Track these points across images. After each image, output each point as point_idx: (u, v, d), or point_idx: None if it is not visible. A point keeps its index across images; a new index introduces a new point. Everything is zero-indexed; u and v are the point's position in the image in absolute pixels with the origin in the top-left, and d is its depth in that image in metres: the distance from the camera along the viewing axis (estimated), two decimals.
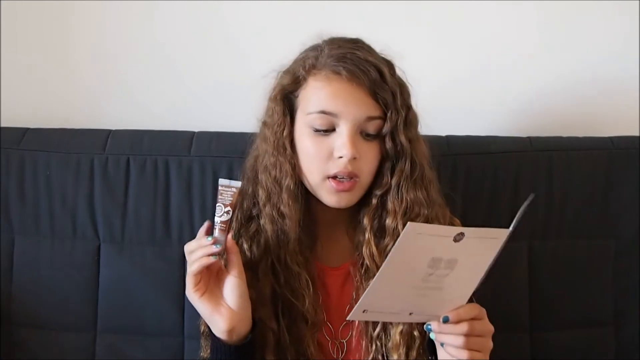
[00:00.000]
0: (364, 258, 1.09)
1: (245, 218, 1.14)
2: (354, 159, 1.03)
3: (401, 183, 1.08)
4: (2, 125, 1.44)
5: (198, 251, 1.00)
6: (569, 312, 1.39)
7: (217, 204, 1.02)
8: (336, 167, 1.04)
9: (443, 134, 1.41)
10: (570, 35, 1.50)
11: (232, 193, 1.02)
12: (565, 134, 1.45)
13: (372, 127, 1.06)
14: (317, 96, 1.06)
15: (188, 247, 1.02)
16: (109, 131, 1.41)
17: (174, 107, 1.51)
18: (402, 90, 1.08)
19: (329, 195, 1.07)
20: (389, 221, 1.08)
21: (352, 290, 1.12)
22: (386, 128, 1.05)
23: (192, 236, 1.34)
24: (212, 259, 0.99)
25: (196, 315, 1.14)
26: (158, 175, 1.36)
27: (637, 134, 1.47)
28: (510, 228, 0.92)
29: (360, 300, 0.93)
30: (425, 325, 0.98)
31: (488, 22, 1.50)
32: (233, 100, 1.47)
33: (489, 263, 0.93)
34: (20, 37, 1.50)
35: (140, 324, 1.36)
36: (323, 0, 1.47)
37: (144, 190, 1.36)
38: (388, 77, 1.06)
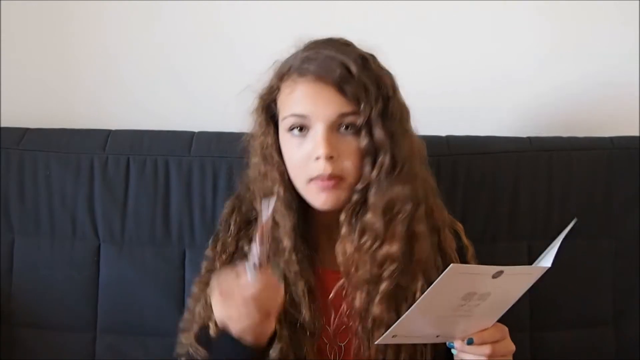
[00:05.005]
0: (339, 256, 1.07)
1: (244, 222, 1.14)
2: (330, 157, 1.02)
3: (381, 177, 1.04)
4: (2, 125, 1.44)
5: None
6: (569, 312, 1.39)
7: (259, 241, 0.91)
8: (317, 170, 1.03)
9: (443, 134, 1.41)
10: (570, 35, 1.50)
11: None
12: (565, 134, 1.45)
13: (347, 123, 1.03)
14: (288, 100, 1.06)
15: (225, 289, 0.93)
16: (109, 131, 1.41)
17: (174, 107, 1.51)
18: (379, 81, 1.05)
19: (315, 197, 1.05)
20: (368, 216, 1.05)
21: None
22: (359, 121, 1.03)
23: (192, 236, 1.36)
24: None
25: None
26: (158, 175, 1.36)
27: (637, 134, 1.47)
28: (549, 265, 0.92)
29: (392, 327, 0.94)
30: (447, 342, 1.00)
31: (488, 23, 1.50)
32: (233, 100, 1.47)
33: (520, 294, 0.95)
34: (20, 37, 1.50)
35: (140, 324, 1.36)
36: (322, 1, 1.47)
37: (144, 190, 1.36)
38: (356, 71, 1.02)
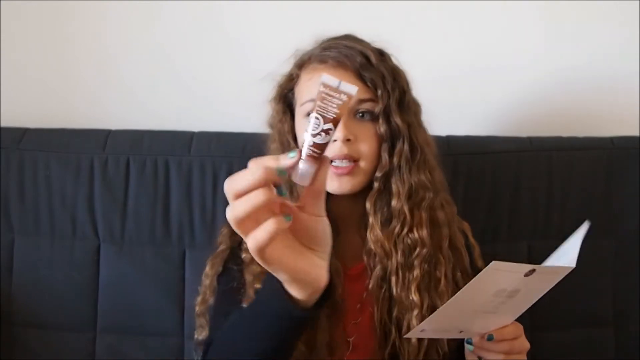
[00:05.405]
0: (371, 244, 1.08)
1: None
2: (347, 140, 1.03)
3: (402, 164, 1.07)
4: (2, 125, 1.44)
5: (258, 201, 0.68)
6: (569, 312, 1.39)
7: (313, 114, 0.69)
8: (333, 151, 1.03)
9: (443, 134, 1.41)
10: (570, 35, 1.50)
11: (339, 102, 0.68)
12: (565, 134, 1.45)
13: (364, 109, 1.06)
14: (307, 86, 1.08)
15: (235, 187, 0.68)
16: (109, 131, 1.41)
17: (174, 107, 1.52)
18: (395, 74, 1.08)
19: (330, 182, 1.05)
20: (393, 203, 1.07)
21: (363, 291, 1.11)
22: (378, 108, 1.05)
23: (192, 236, 1.36)
24: (284, 224, 0.69)
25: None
26: (158, 175, 1.36)
27: (637, 134, 1.47)
28: (574, 265, 0.93)
29: (423, 322, 0.95)
30: (466, 339, 1.01)
31: (488, 22, 1.50)
32: (233, 100, 1.47)
33: (544, 293, 0.96)
34: (20, 37, 1.50)
35: (140, 324, 1.36)
36: (321, 1, 1.47)
37: (144, 190, 1.36)
38: (375, 61, 1.06)
